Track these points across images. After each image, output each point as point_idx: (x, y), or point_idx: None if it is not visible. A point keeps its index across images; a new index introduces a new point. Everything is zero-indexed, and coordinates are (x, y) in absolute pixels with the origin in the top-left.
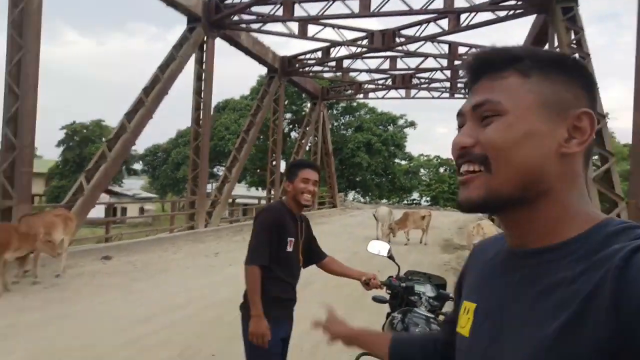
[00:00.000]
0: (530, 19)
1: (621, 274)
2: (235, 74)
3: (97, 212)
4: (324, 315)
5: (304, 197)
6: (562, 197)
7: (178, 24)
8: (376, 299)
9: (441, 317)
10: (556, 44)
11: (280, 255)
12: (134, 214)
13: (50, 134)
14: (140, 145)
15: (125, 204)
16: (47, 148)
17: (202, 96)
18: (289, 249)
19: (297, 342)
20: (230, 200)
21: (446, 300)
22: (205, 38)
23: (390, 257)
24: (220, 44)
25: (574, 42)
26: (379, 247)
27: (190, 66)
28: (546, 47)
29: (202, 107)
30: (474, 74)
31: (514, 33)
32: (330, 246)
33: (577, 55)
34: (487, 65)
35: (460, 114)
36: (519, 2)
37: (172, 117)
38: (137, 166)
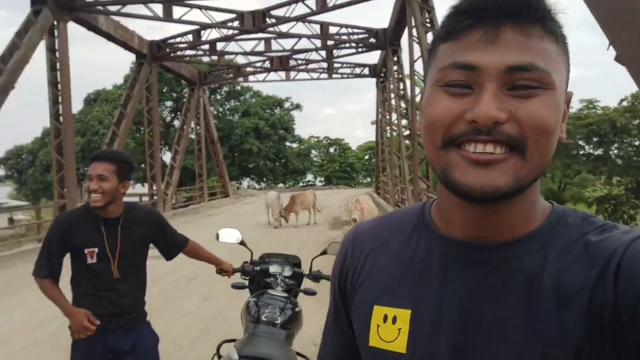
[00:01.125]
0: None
1: (621, 263)
2: (107, 62)
3: None
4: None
5: (91, 199)
6: (536, 185)
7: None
8: (235, 286)
9: (299, 295)
10: (413, 23)
11: (81, 268)
12: (2, 225)
13: None
14: (0, 148)
15: None
16: None
17: (59, 88)
18: (91, 260)
19: (176, 339)
20: None
21: (302, 278)
22: (55, 22)
23: (242, 243)
24: (81, 28)
25: (427, 20)
26: (230, 235)
27: (41, 54)
28: (406, 28)
29: (60, 99)
30: (492, 12)
31: (384, 12)
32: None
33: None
34: (513, 8)
35: (471, 67)
36: None
37: (36, 113)
38: None
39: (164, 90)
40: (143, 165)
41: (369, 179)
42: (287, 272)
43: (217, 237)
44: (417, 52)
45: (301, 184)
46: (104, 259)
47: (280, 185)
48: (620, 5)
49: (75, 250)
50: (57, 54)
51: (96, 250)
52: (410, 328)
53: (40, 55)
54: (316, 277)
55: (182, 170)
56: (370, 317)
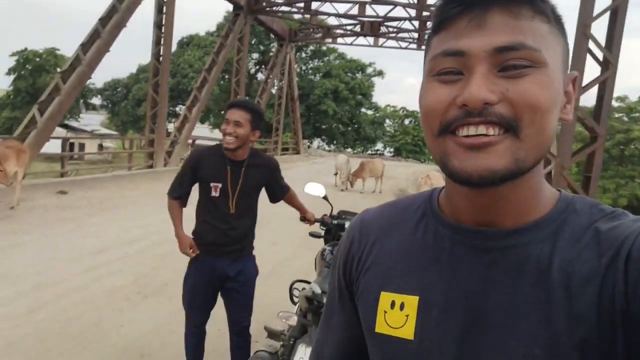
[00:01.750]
0: None
1: (631, 251)
2: (202, 9)
3: (53, 147)
4: (273, 254)
5: (225, 140)
6: (540, 169)
7: None
8: (312, 234)
9: None
10: None
11: (205, 198)
12: (93, 151)
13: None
14: (99, 79)
15: (83, 140)
16: None
17: (163, 30)
18: (214, 193)
19: None
20: (190, 141)
21: None
22: None
23: (325, 198)
24: None
25: None
26: (316, 189)
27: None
28: None
29: (162, 41)
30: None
31: None
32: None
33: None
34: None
35: (460, 53)
36: None
37: (134, 50)
38: (96, 101)
39: (252, 42)
40: (222, 112)
41: None
42: None
43: (304, 188)
44: None
45: (370, 151)
46: (224, 194)
47: (349, 150)
48: None
49: (203, 182)
50: None
51: (220, 185)
52: (418, 314)
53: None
54: None
55: None
56: (377, 303)
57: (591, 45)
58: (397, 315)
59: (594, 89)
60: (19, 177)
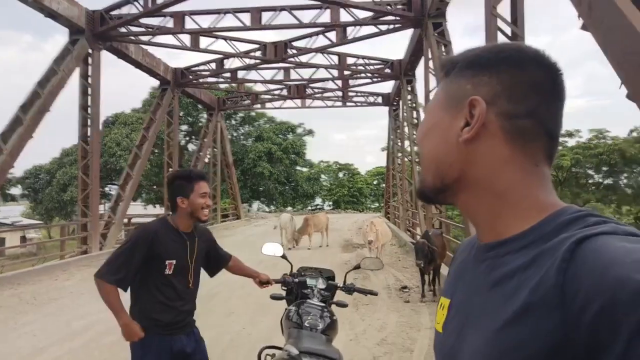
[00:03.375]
0: (411, 31)
1: (565, 267)
2: (125, 86)
3: None
4: (230, 324)
5: (203, 213)
6: (489, 185)
7: (57, 33)
8: (273, 297)
9: (332, 307)
10: (430, 55)
11: (156, 277)
12: (15, 244)
13: None
14: (19, 168)
15: (2, 233)
16: None
17: (89, 112)
18: (168, 271)
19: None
20: (125, 220)
21: (335, 290)
22: (90, 51)
23: (284, 256)
24: (105, 55)
25: (444, 53)
26: (273, 249)
27: (74, 79)
28: (422, 58)
29: (89, 122)
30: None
31: (398, 44)
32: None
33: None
34: (442, 71)
35: None
36: (397, 18)
37: (55, 135)
38: (15, 191)
39: (180, 114)
40: (155, 187)
41: (377, 204)
42: (322, 284)
43: (262, 249)
44: (432, 82)
45: (310, 207)
46: (181, 270)
47: (289, 208)
48: (634, 47)
49: (155, 260)
50: (90, 80)
51: (174, 262)
52: (446, 313)
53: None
54: (349, 289)
55: None
56: (438, 304)
57: (500, 23)
58: (440, 313)
59: None
60: None
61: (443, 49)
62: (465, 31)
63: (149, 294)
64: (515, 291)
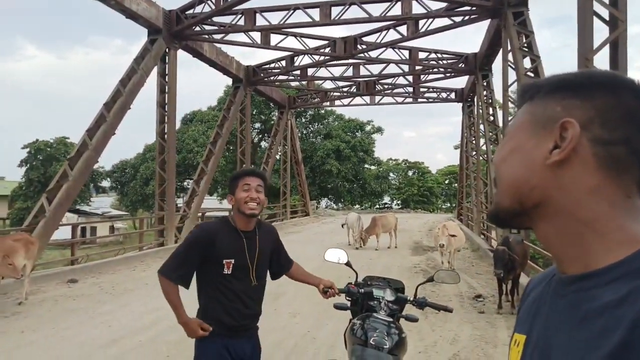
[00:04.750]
0: (486, 23)
1: None
2: (202, 85)
3: (65, 233)
4: (294, 326)
5: (247, 206)
6: (575, 213)
7: (143, 36)
8: (337, 307)
9: (401, 321)
10: (509, 47)
11: (215, 277)
12: (104, 233)
13: (12, 153)
14: (108, 162)
15: (94, 223)
16: (9, 169)
17: (166, 109)
18: (227, 271)
19: (268, 353)
20: (200, 214)
21: (405, 303)
22: (167, 50)
23: (348, 264)
24: (183, 55)
25: (525, 45)
26: (337, 255)
27: (154, 78)
28: (500, 50)
29: (166, 120)
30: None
31: (472, 40)
32: (300, 255)
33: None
34: (520, 98)
35: None
36: (473, 8)
37: (139, 131)
38: (105, 183)
39: (253, 112)
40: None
41: (448, 204)
42: (390, 296)
43: (325, 256)
44: (511, 76)
45: (378, 206)
46: (242, 269)
47: (357, 206)
48: None
49: (213, 260)
50: (167, 78)
51: (233, 261)
52: (522, 350)
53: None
54: (421, 304)
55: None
56: (511, 340)
57: (596, 6)
58: (514, 351)
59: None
60: (27, 271)
61: (524, 39)
62: (542, 23)
63: (210, 294)
64: (608, 329)
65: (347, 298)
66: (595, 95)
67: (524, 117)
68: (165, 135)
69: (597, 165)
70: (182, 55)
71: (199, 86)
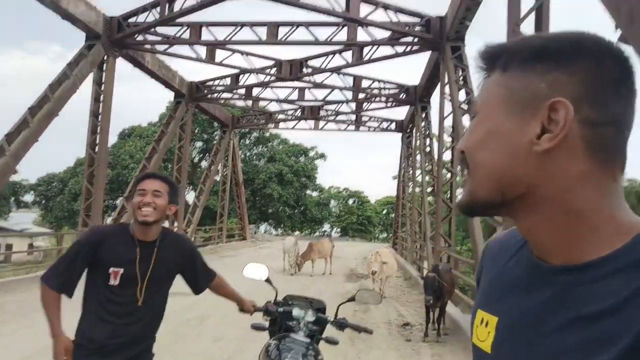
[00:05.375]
0: (427, 56)
1: None
2: (145, 101)
3: None
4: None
5: (140, 212)
6: (564, 203)
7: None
8: (255, 327)
9: (320, 342)
10: (447, 79)
11: (98, 287)
12: (22, 250)
13: None
14: (33, 174)
15: (10, 240)
16: None
17: (100, 119)
18: (113, 281)
19: None
20: None
21: (325, 324)
22: (105, 57)
23: (268, 281)
24: (127, 68)
25: (461, 78)
26: (257, 271)
27: (89, 86)
28: (439, 83)
29: (98, 130)
30: (484, 71)
31: (413, 72)
32: (234, 280)
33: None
34: (485, 62)
35: None
36: (415, 39)
37: (71, 143)
38: (28, 198)
39: (196, 131)
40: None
41: (385, 234)
42: (311, 316)
43: (243, 271)
44: (447, 108)
45: (317, 233)
46: (129, 281)
47: (297, 232)
48: None
49: (99, 267)
50: (103, 87)
51: (121, 271)
52: (495, 333)
53: (85, 88)
54: (341, 324)
55: (204, 209)
56: (475, 317)
57: None
58: (483, 331)
59: None
60: None
61: (460, 73)
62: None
63: (90, 307)
64: (612, 333)
65: (265, 317)
66: (581, 67)
67: (498, 91)
68: (97, 147)
69: (586, 149)
70: (125, 68)
71: (142, 101)
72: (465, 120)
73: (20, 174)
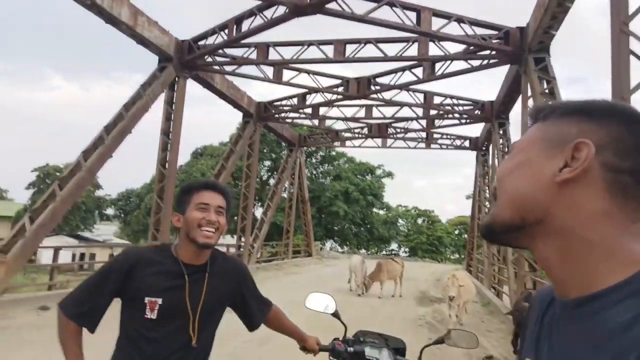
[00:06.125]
0: (502, 73)
1: None
2: (218, 122)
3: (64, 257)
4: None
5: (202, 233)
6: (580, 233)
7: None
8: None
9: None
10: (529, 92)
11: (137, 325)
12: (105, 260)
13: (24, 176)
14: (114, 190)
15: (94, 250)
16: (18, 191)
17: (170, 137)
18: (150, 315)
19: None
20: None
21: None
22: (176, 78)
23: (336, 314)
24: (201, 91)
25: (547, 90)
26: (322, 302)
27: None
28: (519, 98)
29: (169, 147)
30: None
31: (492, 80)
32: (298, 299)
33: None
34: (530, 117)
35: None
36: (493, 52)
37: (150, 161)
38: (110, 211)
39: (264, 150)
40: (235, 218)
41: (457, 255)
42: (388, 358)
43: (305, 302)
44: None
45: (385, 252)
46: (173, 317)
47: (363, 251)
48: None
49: (132, 296)
50: (173, 107)
51: (159, 301)
52: None
53: (158, 108)
54: None
55: (271, 225)
56: None
57: (633, 44)
58: None
59: None
60: None
61: (545, 85)
62: (561, 82)
63: (125, 348)
64: (623, 353)
65: (332, 358)
66: (610, 123)
67: (536, 133)
68: (167, 164)
69: (605, 189)
70: (199, 91)
71: (215, 123)
72: None
73: (103, 189)
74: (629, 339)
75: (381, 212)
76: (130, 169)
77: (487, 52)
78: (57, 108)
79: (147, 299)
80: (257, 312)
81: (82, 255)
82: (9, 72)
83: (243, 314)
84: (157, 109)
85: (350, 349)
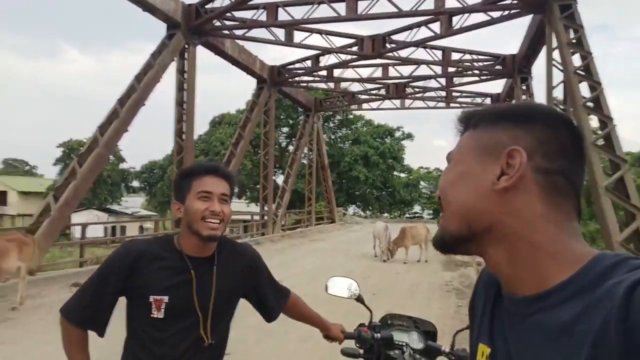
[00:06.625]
0: (527, 19)
1: (625, 314)
2: (233, 88)
3: (96, 232)
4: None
5: (206, 225)
6: (525, 236)
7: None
8: (345, 353)
9: None
10: (555, 43)
11: (142, 325)
12: (134, 233)
13: (51, 151)
14: (138, 162)
15: (124, 223)
16: (47, 166)
17: (184, 107)
18: (156, 314)
19: None
20: None
21: (437, 355)
22: (186, 45)
23: (359, 299)
24: (214, 57)
25: (574, 40)
26: (344, 287)
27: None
28: (542, 50)
29: (184, 118)
30: (459, 133)
31: (512, 34)
32: (324, 265)
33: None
34: (460, 124)
35: None
36: (514, 2)
37: (170, 133)
38: (136, 184)
39: (281, 116)
40: (258, 186)
41: None
42: (418, 343)
43: (327, 288)
44: (557, 77)
45: (408, 215)
46: (182, 316)
47: (386, 215)
48: None
49: (136, 295)
50: (185, 75)
51: (166, 299)
52: None
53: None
54: (461, 358)
55: (292, 193)
56: (477, 350)
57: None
58: None
59: None
60: (22, 272)
61: (572, 34)
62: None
63: (134, 350)
64: (572, 348)
65: (358, 345)
66: (536, 127)
67: (469, 142)
68: (183, 135)
69: (540, 192)
70: (212, 60)
71: (233, 91)
72: (584, 89)
73: (127, 163)
74: (576, 334)
75: (402, 175)
76: (152, 140)
77: (508, 1)
78: (75, 81)
79: (152, 297)
80: (274, 304)
81: (113, 229)
82: (25, 46)
83: (259, 305)
84: (173, 78)
85: (377, 335)
